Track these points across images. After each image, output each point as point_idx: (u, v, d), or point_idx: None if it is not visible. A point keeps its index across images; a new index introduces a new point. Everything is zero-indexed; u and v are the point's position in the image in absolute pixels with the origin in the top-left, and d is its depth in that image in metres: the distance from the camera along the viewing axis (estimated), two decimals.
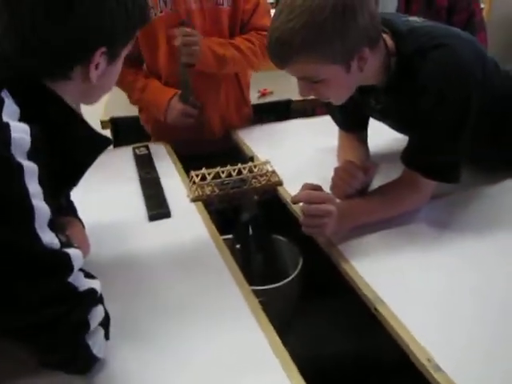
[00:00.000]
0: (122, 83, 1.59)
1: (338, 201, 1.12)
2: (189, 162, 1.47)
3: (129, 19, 0.75)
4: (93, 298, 0.71)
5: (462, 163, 1.09)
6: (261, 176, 1.30)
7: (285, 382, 0.75)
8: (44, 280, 0.64)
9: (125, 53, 0.81)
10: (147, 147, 1.57)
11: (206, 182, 1.25)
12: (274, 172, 1.31)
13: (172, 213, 1.20)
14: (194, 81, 1.56)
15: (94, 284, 0.72)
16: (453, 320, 0.85)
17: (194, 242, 1.10)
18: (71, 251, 0.68)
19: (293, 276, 1.28)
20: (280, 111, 2.43)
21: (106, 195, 1.31)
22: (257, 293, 0.97)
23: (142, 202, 1.25)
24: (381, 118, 1.30)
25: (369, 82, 1.11)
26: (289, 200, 1.21)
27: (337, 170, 1.20)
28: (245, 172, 1.27)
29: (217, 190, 1.25)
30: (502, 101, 1.15)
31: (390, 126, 1.32)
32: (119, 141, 2.49)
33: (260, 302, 0.93)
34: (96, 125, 2.08)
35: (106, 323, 0.75)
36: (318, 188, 1.08)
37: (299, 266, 1.31)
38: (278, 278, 1.27)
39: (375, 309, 0.89)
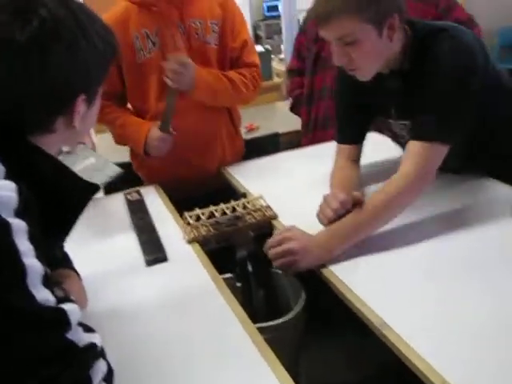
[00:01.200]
0: (103, 121, 1.63)
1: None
2: (181, 203, 1.47)
3: (101, 58, 0.76)
4: (94, 352, 0.69)
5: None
6: (255, 211, 1.30)
7: None
8: (41, 338, 0.62)
9: (101, 89, 0.82)
10: (139, 192, 1.57)
11: (200, 222, 1.25)
12: (267, 206, 1.31)
13: (169, 256, 1.19)
14: (187, 117, 1.58)
15: (94, 338, 0.69)
16: (462, 340, 0.84)
17: (194, 284, 1.09)
18: (68, 306, 0.66)
19: (297, 310, 1.27)
20: (268, 144, 2.47)
21: (101, 244, 1.31)
22: (262, 330, 0.96)
23: (138, 248, 1.24)
24: (392, 104, 1.32)
25: (390, 64, 1.21)
26: None
27: (325, 198, 1.22)
28: (239, 209, 1.27)
29: (212, 230, 1.25)
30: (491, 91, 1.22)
31: (399, 114, 1.33)
32: (111, 186, 2.50)
33: (265, 339, 0.92)
34: None
35: (109, 378, 0.72)
36: (289, 228, 1.17)
37: (302, 299, 1.29)
38: (281, 313, 1.25)
39: (382, 334, 0.88)
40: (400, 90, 1.24)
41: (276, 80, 3.83)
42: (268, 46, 4.65)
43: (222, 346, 0.90)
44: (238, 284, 1.37)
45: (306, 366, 1.15)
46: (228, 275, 1.32)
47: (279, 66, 4.57)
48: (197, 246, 1.23)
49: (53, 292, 0.65)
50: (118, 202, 1.55)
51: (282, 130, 2.48)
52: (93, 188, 0.83)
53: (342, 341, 1.30)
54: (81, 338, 0.66)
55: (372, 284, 1.02)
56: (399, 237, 1.16)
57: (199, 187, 1.63)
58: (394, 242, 1.14)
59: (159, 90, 1.58)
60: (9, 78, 0.69)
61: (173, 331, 0.95)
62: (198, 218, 1.26)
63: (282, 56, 4.74)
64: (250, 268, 1.38)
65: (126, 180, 2.34)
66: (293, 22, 4.76)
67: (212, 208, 1.27)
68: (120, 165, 2.43)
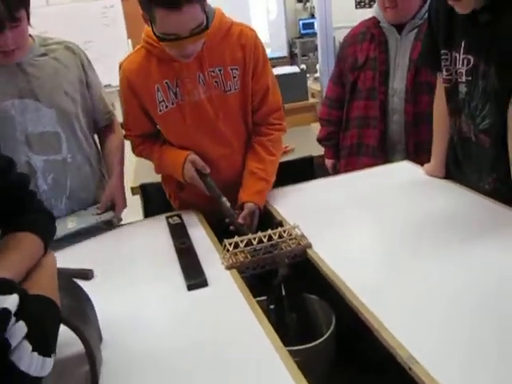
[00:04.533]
0: (142, 156, 1.74)
1: None
2: (218, 230, 1.54)
3: None
4: (5, 316, 0.68)
5: None
6: (290, 240, 1.36)
7: None
8: None
9: None
10: (180, 216, 1.66)
11: (238, 249, 1.32)
12: (302, 236, 1.38)
13: (209, 281, 1.26)
14: (221, 166, 1.67)
15: (5, 302, 0.69)
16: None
17: (232, 310, 1.15)
18: None
19: (327, 334, 1.32)
20: (303, 167, 2.53)
21: (143, 266, 1.39)
22: (292, 353, 1.01)
23: (180, 272, 1.31)
24: (463, 36, 1.42)
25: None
26: (319, 263, 1.28)
27: None
28: (275, 237, 1.34)
29: (249, 257, 1.32)
30: None
31: (468, 48, 1.42)
32: (149, 206, 2.61)
33: (296, 361, 0.97)
34: (126, 191, 2.21)
35: (32, 336, 0.71)
36: None
37: (333, 324, 1.35)
38: (312, 337, 1.31)
39: (409, 368, 0.92)
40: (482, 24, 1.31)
41: (311, 100, 3.88)
42: (303, 66, 4.72)
43: (255, 368, 0.96)
44: (271, 306, 1.43)
45: None
46: (263, 298, 1.39)
47: (314, 85, 4.63)
48: (235, 272, 1.30)
49: None
50: (159, 225, 1.63)
51: (316, 152, 2.53)
52: None
53: (369, 370, 1.34)
54: None
55: (401, 315, 1.06)
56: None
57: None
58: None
59: (181, 139, 1.64)
60: None
61: (212, 357, 1.01)
62: (236, 246, 1.33)
63: (318, 75, 4.79)
64: (283, 292, 1.44)
65: (163, 199, 2.46)
66: (329, 40, 4.81)
67: (250, 236, 1.34)
68: (157, 184, 2.56)
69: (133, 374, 0.98)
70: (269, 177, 1.68)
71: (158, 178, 2.42)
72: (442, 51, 1.52)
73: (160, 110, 1.58)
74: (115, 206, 1.68)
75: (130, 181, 2.66)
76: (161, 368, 0.99)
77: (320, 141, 2.37)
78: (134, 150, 1.76)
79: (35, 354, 0.70)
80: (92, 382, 0.96)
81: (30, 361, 0.69)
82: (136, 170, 2.91)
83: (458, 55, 1.45)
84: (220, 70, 1.57)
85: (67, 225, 1.57)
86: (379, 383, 1.33)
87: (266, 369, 0.96)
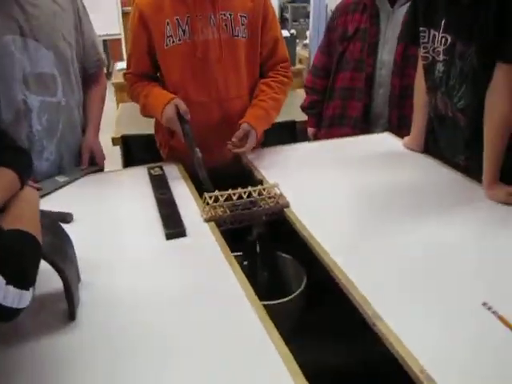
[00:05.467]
0: (132, 96, 1.74)
1: None
2: (199, 184, 1.56)
3: None
4: None
5: None
6: (269, 198, 1.40)
7: None
8: None
9: None
10: (161, 168, 1.67)
11: (218, 203, 1.35)
12: (281, 195, 1.41)
13: (187, 232, 1.29)
14: (212, 111, 1.70)
15: None
16: (449, 335, 0.94)
17: (209, 260, 1.19)
18: None
19: (297, 292, 1.37)
20: (285, 131, 2.55)
21: (122, 214, 1.41)
22: (265, 307, 1.05)
23: (159, 221, 1.34)
24: (444, 15, 1.45)
25: None
26: (295, 222, 1.32)
27: None
28: (254, 194, 1.37)
29: (228, 211, 1.35)
30: None
31: (447, 26, 1.44)
32: (130, 157, 2.61)
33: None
34: (107, 141, 2.20)
35: (10, 269, 0.73)
36: None
37: (303, 284, 1.40)
38: (282, 294, 1.35)
39: (374, 324, 0.98)
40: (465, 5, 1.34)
41: (299, 66, 3.88)
42: (293, 31, 4.67)
43: (229, 316, 1.00)
44: (245, 262, 1.48)
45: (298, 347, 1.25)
46: (238, 253, 1.42)
47: (303, 51, 4.61)
48: (213, 224, 1.33)
49: None
50: (140, 175, 1.65)
51: (299, 118, 2.55)
52: None
53: (334, 326, 1.40)
54: None
55: (370, 274, 1.11)
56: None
57: (219, 171, 1.70)
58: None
59: (182, 78, 1.66)
60: None
61: (186, 303, 1.05)
62: (216, 200, 1.36)
63: (307, 41, 4.76)
64: (258, 249, 1.49)
65: (144, 151, 2.46)
66: (321, 8, 4.75)
67: (230, 191, 1.37)
68: (138, 136, 2.56)
69: (109, 315, 1.01)
70: (269, 109, 1.72)
71: (139, 131, 2.44)
72: (421, 28, 1.54)
73: (166, 45, 1.61)
74: (95, 158, 1.72)
75: (111, 131, 2.65)
76: (136, 309, 1.03)
77: (303, 109, 2.39)
78: (128, 89, 1.78)
79: (10, 287, 0.72)
80: (70, 318, 0.99)
81: (3, 293, 0.71)
82: (118, 120, 2.90)
83: (436, 33, 1.48)
84: (230, 15, 1.63)
85: (57, 180, 1.60)
86: (344, 342, 1.39)
87: (238, 317, 1.00)
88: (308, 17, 5.15)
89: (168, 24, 1.59)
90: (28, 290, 0.75)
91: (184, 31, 1.61)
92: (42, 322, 0.98)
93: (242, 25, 1.64)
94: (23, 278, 0.75)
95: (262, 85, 1.75)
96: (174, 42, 1.61)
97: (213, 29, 1.61)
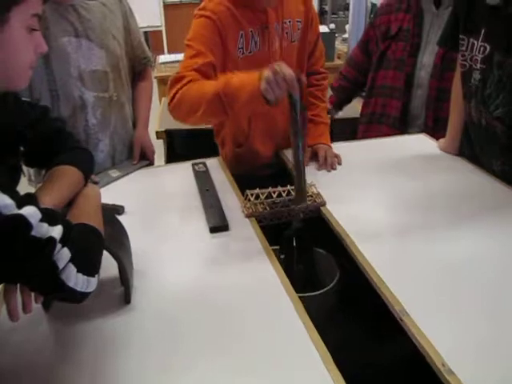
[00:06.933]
0: (190, 90, 1.43)
1: None
2: (241, 180, 1.66)
3: None
4: (53, 244, 0.78)
5: None
6: (307, 197, 1.48)
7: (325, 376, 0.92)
8: (9, 241, 0.73)
9: (19, 21, 0.83)
10: (205, 164, 1.77)
11: (259, 200, 1.44)
12: (318, 194, 1.49)
13: (229, 226, 1.39)
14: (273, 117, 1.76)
15: (53, 232, 0.78)
16: (471, 332, 1.01)
17: (250, 253, 1.28)
18: (26, 210, 0.74)
19: (330, 286, 1.45)
20: None
21: (169, 207, 1.51)
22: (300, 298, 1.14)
23: (203, 215, 1.44)
24: (485, 24, 1.47)
25: None
26: (331, 220, 1.40)
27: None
28: (293, 193, 1.46)
29: (268, 208, 1.44)
30: None
31: (487, 36, 1.47)
32: (171, 151, 2.73)
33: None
34: (151, 135, 2.31)
35: (76, 261, 0.81)
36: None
37: (336, 278, 1.47)
38: (316, 288, 1.42)
39: (401, 319, 1.05)
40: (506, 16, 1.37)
41: (337, 62, 3.89)
42: (333, 25, 4.67)
43: (269, 309, 1.09)
44: (282, 256, 1.56)
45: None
46: (275, 247, 1.51)
47: (342, 46, 4.61)
48: (254, 220, 1.42)
49: (12, 197, 0.74)
50: (185, 171, 1.75)
51: (336, 116, 2.60)
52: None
53: (364, 321, 1.46)
54: (44, 232, 0.77)
55: (399, 273, 1.18)
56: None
57: (261, 170, 1.81)
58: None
59: None
60: None
61: (230, 292, 1.15)
62: (257, 197, 1.45)
63: (346, 36, 4.76)
64: (294, 244, 1.57)
65: (186, 145, 2.55)
66: (362, 0, 4.73)
67: (270, 189, 1.46)
68: (181, 131, 2.64)
69: (159, 300, 1.13)
70: (325, 119, 1.87)
71: (181, 125, 2.53)
72: (461, 36, 1.57)
73: (238, 57, 1.58)
74: (146, 153, 1.85)
75: (156, 125, 2.76)
76: (182, 295, 1.14)
77: (332, 87, 2.45)
78: (183, 86, 1.45)
79: (80, 274, 0.83)
80: (125, 301, 1.11)
81: (75, 280, 0.81)
82: (161, 114, 3.01)
83: (476, 42, 1.51)
84: (290, 22, 1.66)
85: (111, 174, 1.73)
86: (373, 335, 1.46)
87: (276, 310, 1.09)
88: (347, 9, 5.10)
89: (241, 36, 1.57)
90: (94, 276, 0.86)
91: (256, 43, 1.60)
92: (102, 304, 1.10)
93: (298, 29, 1.69)
94: (90, 267, 0.86)
95: (310, 97, 1.85)
96: (243, 53, 1.59)
97: (279, 37, 1.63)
